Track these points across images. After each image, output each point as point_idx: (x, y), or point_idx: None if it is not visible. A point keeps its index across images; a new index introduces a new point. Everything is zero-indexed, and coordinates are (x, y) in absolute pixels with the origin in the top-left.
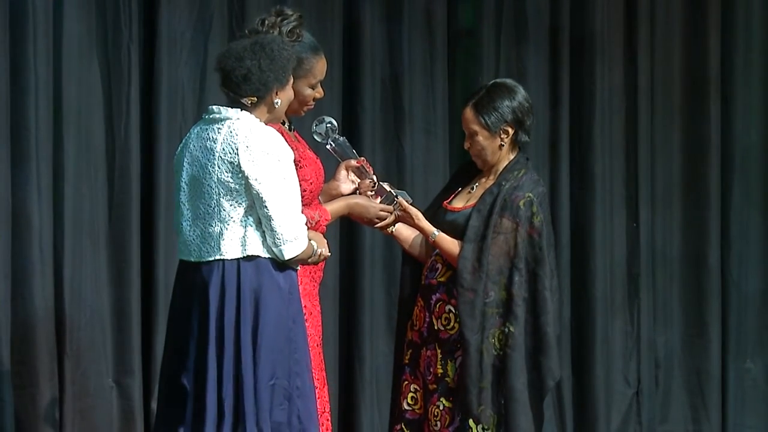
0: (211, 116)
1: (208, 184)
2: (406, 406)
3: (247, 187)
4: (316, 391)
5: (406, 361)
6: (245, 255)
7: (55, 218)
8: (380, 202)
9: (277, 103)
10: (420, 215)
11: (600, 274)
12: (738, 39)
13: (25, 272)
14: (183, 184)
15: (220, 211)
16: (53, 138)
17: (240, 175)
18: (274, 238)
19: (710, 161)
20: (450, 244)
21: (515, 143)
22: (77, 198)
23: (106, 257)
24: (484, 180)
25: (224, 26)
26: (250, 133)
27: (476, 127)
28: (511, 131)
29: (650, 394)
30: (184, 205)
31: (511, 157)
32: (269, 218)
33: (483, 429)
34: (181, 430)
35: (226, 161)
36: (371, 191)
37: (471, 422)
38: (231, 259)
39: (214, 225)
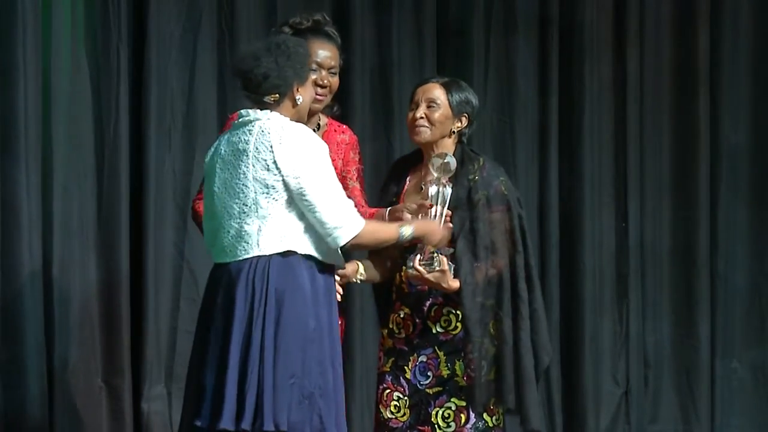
0: (240, 120)
1: (243, 184)
2: (389, 415)
3: (285, 183)
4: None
5: (387, 369)
6: (283, 250)
7: (44, 218)
8: (421, 260)
9: (299, 99)
10: (451, 278)
11: (589, 273)
12: (726, 35)
13: (13, 272)
14: (215, 189)
15: (257, 208)
16: (42, 138)
17: (276, 172)
18: (324, 229)
19: (699, 159)
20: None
21: (460, 136)
22: (66, 198)
23: (95, 257)
24: (425, 174)
25: (213, 26)
26: (282, 130)
27: (441, 101)
28: (465, 122)
29: (639, 393)
30: (216, 207)
31: (452, 147)
32: (314, 210)
33: (496, 419)
34: (197, 422)
35: (260, 159)
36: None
37: (485, 416)
38: (263, 256)
39: (251, 223)
